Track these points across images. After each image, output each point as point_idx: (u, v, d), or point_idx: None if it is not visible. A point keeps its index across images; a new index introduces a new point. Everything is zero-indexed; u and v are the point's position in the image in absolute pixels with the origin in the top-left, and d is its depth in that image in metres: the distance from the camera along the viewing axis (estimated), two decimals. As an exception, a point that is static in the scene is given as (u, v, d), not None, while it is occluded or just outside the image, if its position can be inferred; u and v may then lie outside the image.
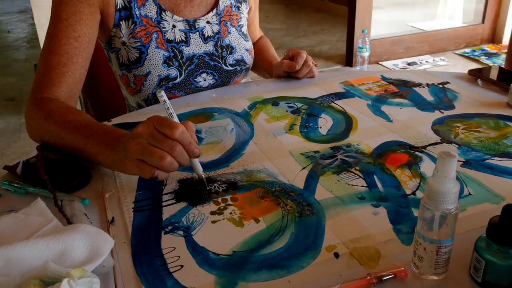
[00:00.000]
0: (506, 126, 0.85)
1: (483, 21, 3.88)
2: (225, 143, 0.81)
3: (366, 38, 3.30)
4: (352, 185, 0.68)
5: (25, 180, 0.69)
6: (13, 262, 0.49)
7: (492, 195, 0.64)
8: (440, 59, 3.58)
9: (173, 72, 0.99)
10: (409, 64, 3.51)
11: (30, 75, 3.37)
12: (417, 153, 0.76)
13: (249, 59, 1.10)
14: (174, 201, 0.65)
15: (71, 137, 0.72)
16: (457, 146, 0.78)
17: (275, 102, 0.98)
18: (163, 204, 0.64)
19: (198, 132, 0.85)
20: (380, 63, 3.58)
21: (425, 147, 0.78)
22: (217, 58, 1.04)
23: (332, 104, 0.96)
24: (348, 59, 3.57)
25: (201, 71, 1.03)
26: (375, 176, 0.69)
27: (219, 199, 0.65)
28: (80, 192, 0.68)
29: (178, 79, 1.00)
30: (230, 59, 1.06)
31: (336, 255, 0.54)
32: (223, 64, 1.05)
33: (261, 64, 1.21)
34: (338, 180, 0.69)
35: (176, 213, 0.62)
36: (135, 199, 0.66)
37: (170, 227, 0.59)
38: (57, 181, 0.68)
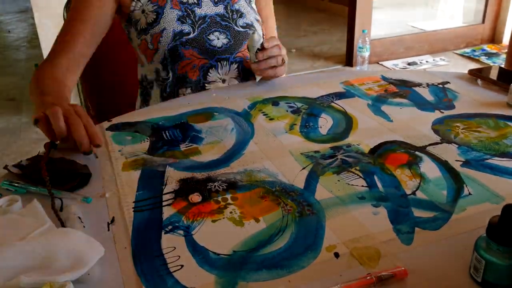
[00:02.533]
0: (506, 126, 0.85)
1: (483, 21, 3.87)
2: (225, 143, 0.81)
3: (366, 38, 3.29)
4: (352, 185, 0.68)
5: (25, 180, 0.69)
6: None
7: (492, 195, 0.64)
8: (440, 59, 3.58)
9: (186, 28, 1.07)
10: (409, 64, 3.51)
11: (30, 75, 3.36)
12: (417, 153, 0.76)
13: (258, 28, 1.15)
14: (174, 200, 0.65)
15: (36, 93, 0.91)
16: (457, 146, 0.78)
17: (275, 101, 0.98)
18: (163, 203, 0.64)
19: (198, 132, 0.85)
20: (380, 63, 3.58)
21: (425, 147, 0.78)
22: (227, 19, 1.11)
23: (332, 104, 0.96)
24: (348, 59, 3.57)
25: (213, 29, 1.09)
26: (375, 176, 0.69)
27: (219, 198, 0.65)
28: (81, 192, 0.68)
29: (192, 35, 1.07)
30: (241, 22, 1.12)
31: (336, 255, 0.54)
32: (234, 25, 1.11)
33: None
34: (338, 180, 0.69)
35: (176, 213, 0.62)
36: (135, 199, 0.66)
37: (170, 227, 0.60)
38: (58, 181, 0.68)
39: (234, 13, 1.11)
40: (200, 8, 1.08)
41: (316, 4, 5.70)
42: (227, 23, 1.10)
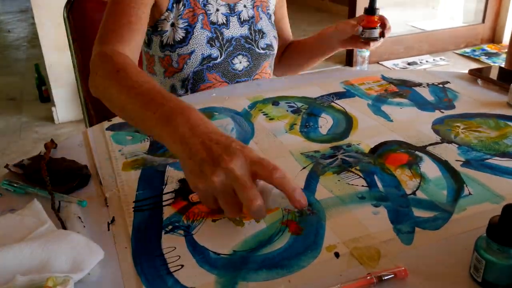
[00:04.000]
0: (506, 126, 0.85)
1: (483, 21, 3.88)
2: (225, 142, 0.81)
3: (366, 38, 3.29)
4: (352, 184, 0.68)
5: (26, 180, 0.69)
6: None
7: (492, 195, 0.64)
8: (440, 58, 3.58)
9: (214, 52, 1.06)
10: (409, 63, 3.51)
11: (31, 75, 3.37)
12: (417, 153, 0.76)
13: (275, 45, 1.16)
14: (174, 200, 0.65)
15: (141, 100, 0.63)
16: (457, 146, 0.78)
17: (275, 101, 0.98)
18: (164, 203, 0.64)
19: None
20: (380, 62, 3.58)
21: (425, 147, 0.78)
22: (251, 41, 1.11)
23: (333, 103, 0.96)
24: (348, 59, 3.57)
25: (238, 53, 1.09)
26: (375, 176, 0.69)
27: (219, 199, 0.65)
28: (80, 192, 0.68)
29: (219, 59, 1.07)
30: (262, 43, 1.12)
31: (337, 255, 0.54)
32: (256, 47, 1.11)
33: (314, 48, 1.22)
34: (339, 180, 0.69)
35: (176, 212, 0.62)
36: (136, 199, 0.66)
37: (170, 227, 0.60)
38: (58, 181, 0.68)
39: (257, 33, 1.11)
40: (228, 29, 1.07)
41: (316, 4, 5.70)
42: (250, 45, 1.10)
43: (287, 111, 0.93)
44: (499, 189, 0.66)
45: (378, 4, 1.05)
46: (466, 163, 0.72)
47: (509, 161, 0.73)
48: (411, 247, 0.55)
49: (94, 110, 1.34)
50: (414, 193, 0.65)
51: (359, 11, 3.40)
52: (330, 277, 0.51)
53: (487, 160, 0.73)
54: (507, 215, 0.46)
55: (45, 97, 3.10)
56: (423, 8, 4.81)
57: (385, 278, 0.49)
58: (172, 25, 1.02)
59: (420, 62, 3.53)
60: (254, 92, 1.04)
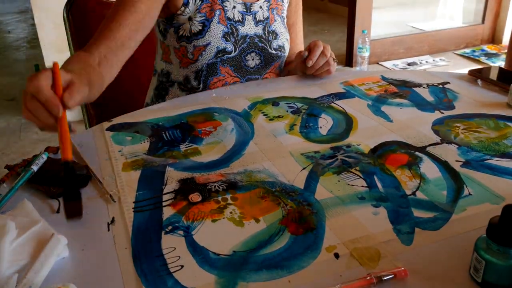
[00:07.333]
0: (506, 127, 0.85)
1: (483, 21, 3.88)
2: (225, 143, 0.81)
3: (366, 38, 3.29)
4: (352, 185, 0.68)
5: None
6: None
7: (492, 195, 0.64)
8: (440, 59, 3.58)
9: (229, 46, 1.09)
10: (409, 64, 3.51)
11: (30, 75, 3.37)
12: (417, 153, 0.76)
13: (287, 47, 1.19)
14: (174, 200, 0.65)
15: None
16: (457, 146, 0.78)
17: (275, 102, 0.98)
18: (163, 204, 0.64)
19: (198, 132, 0.85)
20: (380, 63, 3.58)
21: (425, 147, 0.78)
22: (264, 41, 1.14)
23: (332, 104, 0.96)
24: (348, 59, 3.57)
25: (251, 50, 1.12)
26: (375, 177, 0.69)
27: (219, 198, 0.65)
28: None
29: (233, 54, 1.10)
30: (274, 44, 1.15)
31: (336, 256, 0.54)
32: (268, 47, 1.14)
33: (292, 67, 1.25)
34: (338, 180, 0.69)
35: (176, 213, 0.62)
36: (135, 199, 0.66)
37: (170, 227, 0.60)
38: (57, 181, 0.68)
39: (270, 34, 1.14)
40: (243, 26, 1.10)
41: (316, 4, 5.70)
42: (263, 45, 1.13)
43: (287, 111, 0.93)
44: (499, 189, 0.66)
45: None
46: (466, 164, 0.72)
47: (509, 161, 0.73)
48: (411, 247, 0.55)
49: (94, 110, 1.34)
50: (414, 193, 0.65)
51: (359, 11, 3.39)
52: (330, 278, 0.51)
53: (487, 161, 0.73)
54: (507, 215, 0.46)
55: (45, 98, 3.09)
56: (423, 8, 4.81)
57: (385, 278, 0.49)
58: (190, 19, 1.06)
59: (420, 63, 3.53)
60: (254, 92, 1.04)
